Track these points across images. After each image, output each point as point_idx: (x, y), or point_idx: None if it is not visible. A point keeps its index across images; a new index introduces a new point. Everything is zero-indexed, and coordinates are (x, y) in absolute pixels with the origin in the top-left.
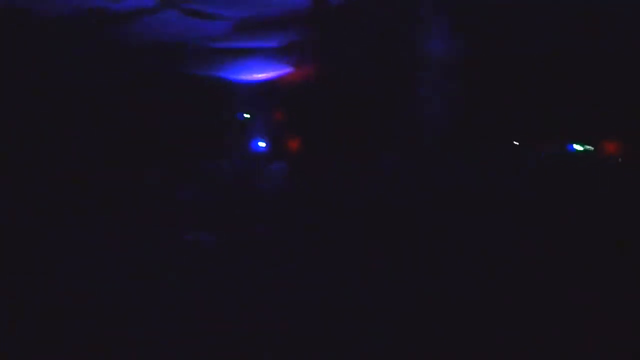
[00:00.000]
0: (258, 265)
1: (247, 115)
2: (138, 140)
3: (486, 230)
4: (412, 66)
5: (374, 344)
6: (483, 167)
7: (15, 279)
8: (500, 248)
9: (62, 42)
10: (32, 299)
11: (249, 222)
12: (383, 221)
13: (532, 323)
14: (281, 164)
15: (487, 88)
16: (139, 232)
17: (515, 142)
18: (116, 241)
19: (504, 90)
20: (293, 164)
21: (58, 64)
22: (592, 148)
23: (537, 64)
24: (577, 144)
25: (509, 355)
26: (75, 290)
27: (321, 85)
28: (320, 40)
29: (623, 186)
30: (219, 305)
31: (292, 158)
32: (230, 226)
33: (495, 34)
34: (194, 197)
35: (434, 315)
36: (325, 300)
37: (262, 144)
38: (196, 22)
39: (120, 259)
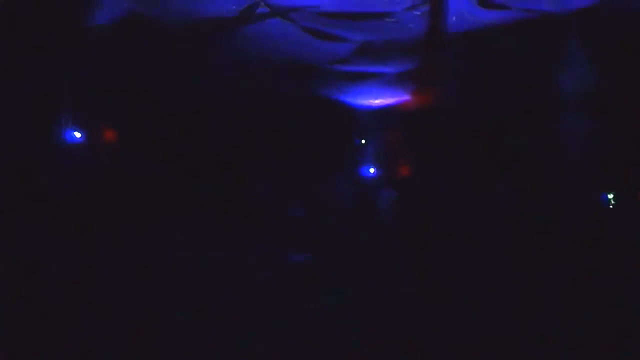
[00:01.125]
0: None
1: (362, 141)
2: (252, 153)
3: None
4: (536, 99)
5: None
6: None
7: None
8: None
9: (184, 51)
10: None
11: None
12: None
13: None
14: (389, 192)
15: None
16: (242, 241)
17: None
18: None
19: None
20: (403, 191)
21: (179, 72)
22: None
23: None
24: None
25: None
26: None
27: (437, 114)
28: (436, 68)
29: None
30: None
31: (402, 185)
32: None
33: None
34: (306, 215)
35: None
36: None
37: (371, 170)
38: (317, 42)
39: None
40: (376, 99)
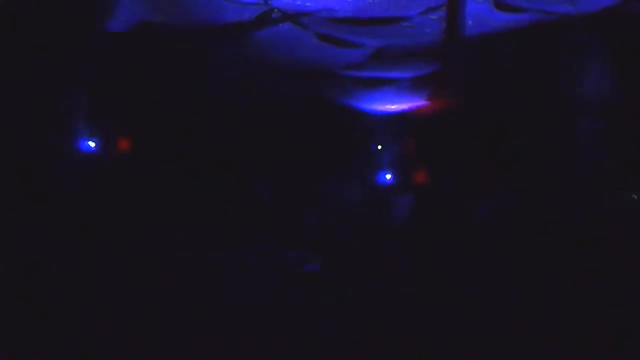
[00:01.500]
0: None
1: (379, 147)
2: (262, 156)
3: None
4: (554, 104)
5: None
6: None
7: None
8: None
9: (195, 54)
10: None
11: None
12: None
13: None
14: (408, 197)
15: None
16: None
17: None
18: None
19: None
20: (420, 196)
21: (190, 74)
22: None
23: None
24: None
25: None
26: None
27: (454, 119)
28: (452, 73)
29: None
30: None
31: (419, 190)
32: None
33: None
34: (318, 221)
35: None
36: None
37: (388, 176)
38: (332, 48)
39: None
40: (392, 104)
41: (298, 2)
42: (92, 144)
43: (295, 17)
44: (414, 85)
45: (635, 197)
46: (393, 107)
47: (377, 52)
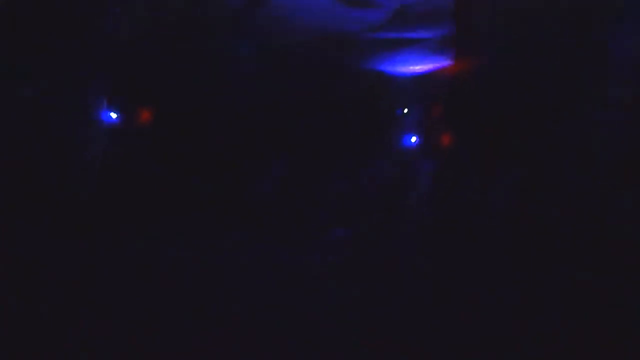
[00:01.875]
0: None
1: (405, 110)
2: (285, 133)
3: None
4: (591, 68)
5: None
6: None
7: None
8: None
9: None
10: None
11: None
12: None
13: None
14: (430, 164)
15: None
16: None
17: None
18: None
19: None
20: (443, 164)
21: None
22: None
23: None
24: None
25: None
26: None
27: (479, 81)
28: (471, 32)
29: None
30: None
31: (443, 156)
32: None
33: None
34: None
35: None
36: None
37: (413, 139)
38: (350, 10)
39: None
40: (415, 65)
41: None
42: (113, 115)
43: None
44: (439, 45)
45: None
46: (417, 69)
47: (399, 11)
